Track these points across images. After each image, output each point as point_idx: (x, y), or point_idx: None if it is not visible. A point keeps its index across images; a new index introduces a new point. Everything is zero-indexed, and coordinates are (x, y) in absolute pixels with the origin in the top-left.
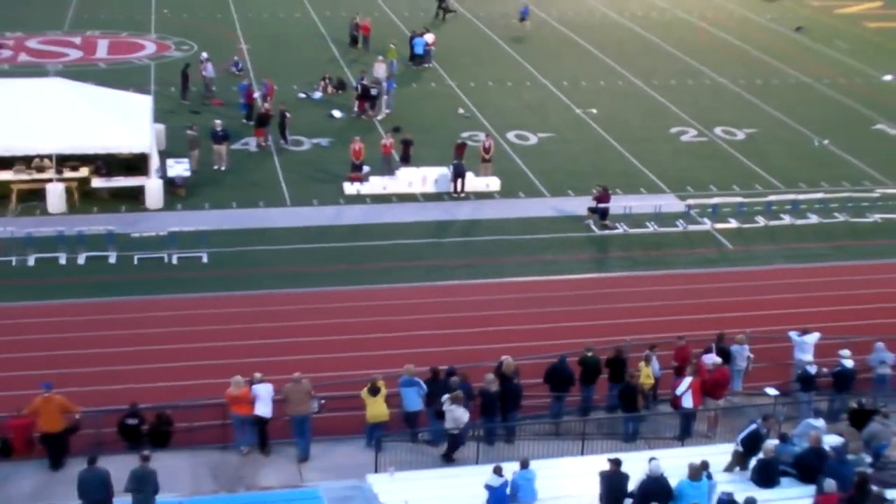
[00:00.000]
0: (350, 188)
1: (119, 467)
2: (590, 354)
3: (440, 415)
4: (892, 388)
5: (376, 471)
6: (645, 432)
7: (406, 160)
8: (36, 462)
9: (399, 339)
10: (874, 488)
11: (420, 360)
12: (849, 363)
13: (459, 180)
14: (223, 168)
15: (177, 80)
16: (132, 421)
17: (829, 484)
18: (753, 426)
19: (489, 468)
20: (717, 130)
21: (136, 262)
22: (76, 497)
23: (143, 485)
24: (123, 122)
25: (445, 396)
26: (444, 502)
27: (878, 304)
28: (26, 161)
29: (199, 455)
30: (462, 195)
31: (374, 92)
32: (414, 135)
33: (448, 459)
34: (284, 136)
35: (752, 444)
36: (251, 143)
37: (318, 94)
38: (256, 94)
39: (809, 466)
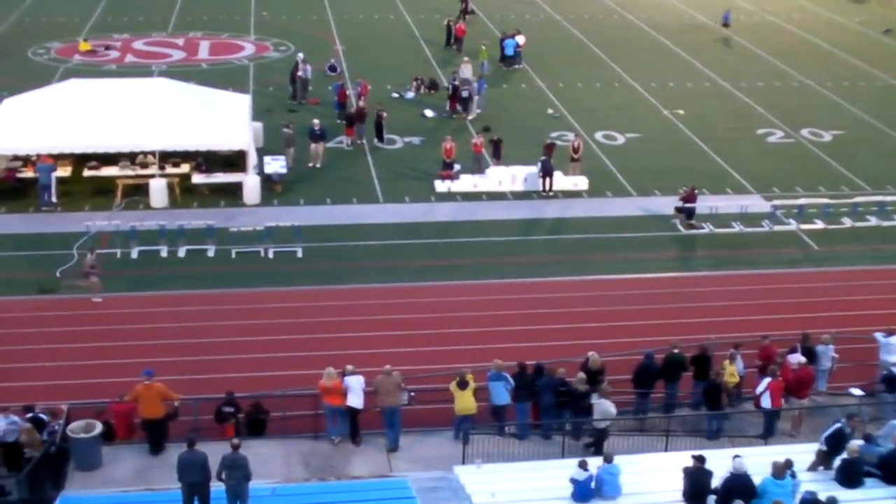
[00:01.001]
0: (441, 186)
1: (215, 453)
2: (675, 352)
3: (587, 408)
4: None
5: (464, 462)
6: (729, 430)
7: (498, 158)
8: (137, 446)
9: (487, 335)
10: None
11: (508, 356)
12: None
13: (547, 179)
14: (318, 165)
15: (277, 80)
16: (228, 409)
17: None
18: (838, 425)
19: (574, 462)
20: (804, 132)
21: (233, 255)
22: (175, 480)
23: (234, 471)
24: (223, 120)
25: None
26: (530, 494)
27: None
28: (131, 157)
29: (292, 444)
30: (550, 194)
31: (465, 94)
32: (504, 134)
33: (597, 451)
34: (381, 136)
35: (836, 443)
36: (345, 141)
37: (410, 94)
38: (350, 93)
39: (894, 467)
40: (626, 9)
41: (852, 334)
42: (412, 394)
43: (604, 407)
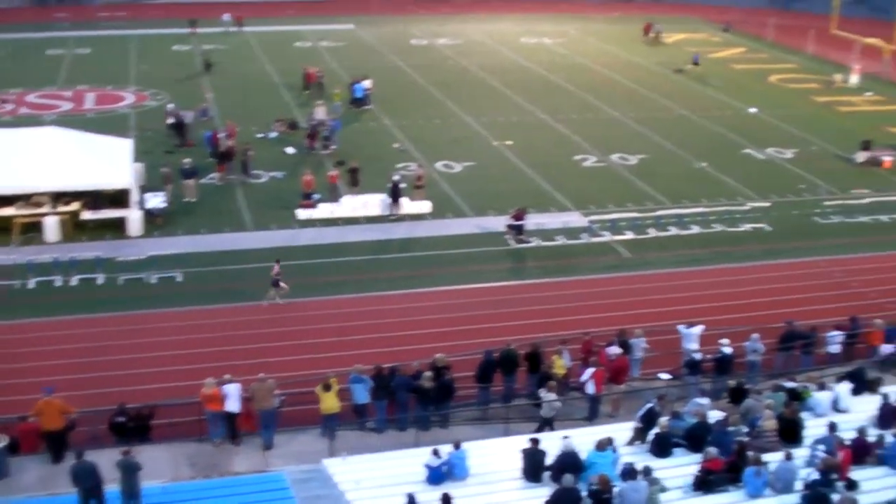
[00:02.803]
0: (303, 214)
1: (111, 460)
2: (511, 349)
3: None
4: (763, 370)
5: (331, 456)
6: (559, 415)
7: (355, 184)
8: (40, 456)
9: (348, 343)
10: (750, 453)
11: (366, 360)
12: (728, 350)
13: (396, 201)
14: (193, 200)
15: (154, 126)
16: (120, 419)
17: (712, 451)
18: (649, 405)
19: (428, 450)
20: (614, 157)
21: (120, 282)
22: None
23: (127, 473)
24: (108, 162)
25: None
26: (389, 480)
27: (751, 299)
28: (26, 198)
29: (179, 447)
30: (398, 216)
31: (325, 133)
32: (354, 167)
33: (549, 428)
34: (247, 172)
35: (648, 419)
36: (216, 177)
37: (273, 134)
38: (221, 135)
39: (697, 438)
40: (461, 55)
41: (660, 327)
42: (284, 398)
43: (550, 398)
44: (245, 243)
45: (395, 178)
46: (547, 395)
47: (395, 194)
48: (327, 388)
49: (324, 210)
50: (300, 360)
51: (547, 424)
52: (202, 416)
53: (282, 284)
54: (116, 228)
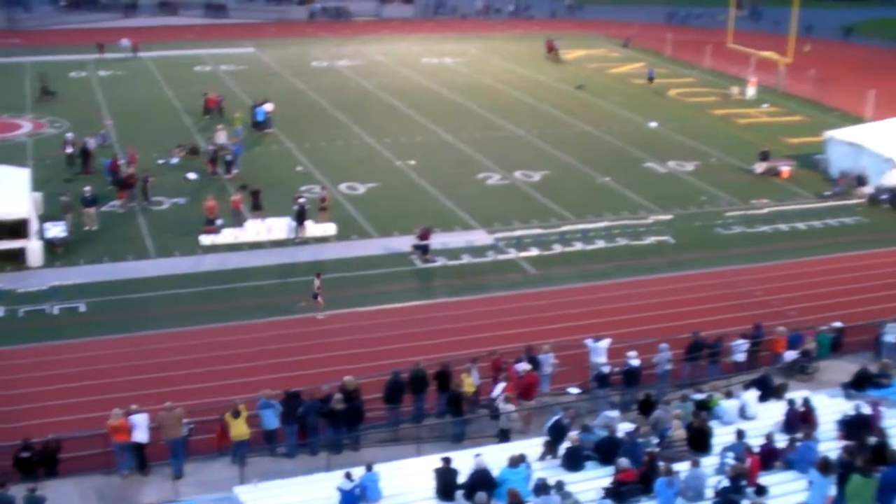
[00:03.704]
0: (206, 240)
1: (17, 496)
2: (419, 368)
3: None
4: (671, 380)
5: (242, 483)
6: (470, 433)
7: (258, 208)
8: None
9: (257, 368)
10: (661, 464)
11: (275, 385)
12: (635, 362)
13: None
14: (94, 228)
15: (52, 154)
16: (25, 454)
17: (622, 461)
18: (556, 417)
19: (340, 474)
20: (517, 174)
21: (21, 314)
22: None
23: None
24: (4, 192)
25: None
26: None
27: (656, 311)
28: None
29: (86, 481)
30: (303, 239)
31: (227, 158)
32: (257, 190)
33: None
34: (147, 198)
35: (557, 432)
36: (117, 204)
37: (175, 160)
38: (121, 162)
39: (608, 450)
40: (362, 76)
41: (568, 342)
42: (192, 426)
43: (508, 409)
44: (148, 271)
45: (301, 200)
46: (505, 406)
47: (301, 217)
48: (236, 414)
49: (227, 235)
50: (208, 387)
51: (504, 436)
52: (110, 447)
53: (319, 299)
54: (16, 259)
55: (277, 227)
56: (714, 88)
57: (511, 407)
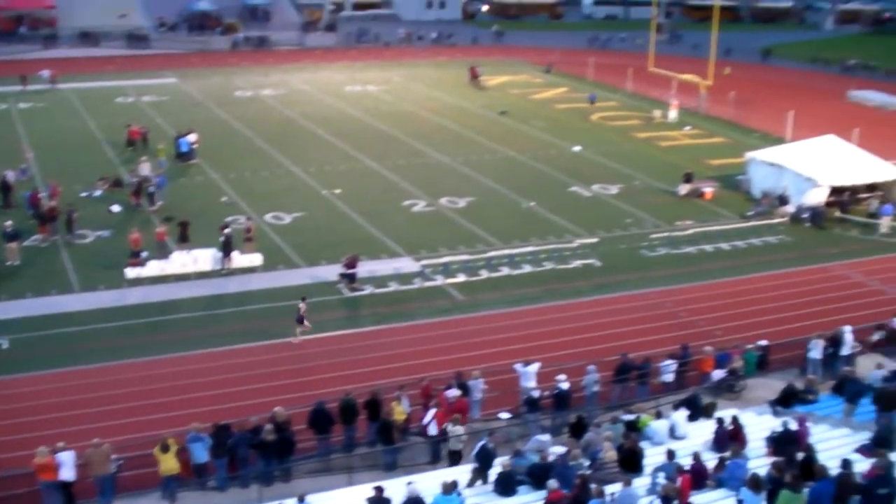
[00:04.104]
0: (131, 273)
1: None
2: (349, 398)
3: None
4: (600, 402)
5: None
6: (402, 461)
7: (185, 239)
8: None
9: (185, 401)
10: (593, 486)
11: (205, 418)
12: (565, 385)
13: (226, 256)
14: (17, 263)
15: None
16: None
17: (552, 483)
18: (482, 442)
19: None
20: (443, 200)
21: None
22: None
23: None
24: None
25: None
26: None
27: (584, 334)
28: None
29: None
30: (229, 270)
31: (151, 190)
32: (184, 221)
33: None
34: (72, 232)
35: (483, 457)
36: (39, 238)
37: (98, 192)
38: (42, 195)
39: (540, 474)
40: (286, 105)
41: (497, 367)
42: (121, 462)
43: (457, 432)
44: (72, 305)
45: (227, 231)
46: (454, 429)
47: (227, 247)
48: (165, 448)
49: (153, 268)
50: (136, 422)
51: (454, 459)
52: (36, 486)
53: (306, 323)
54: None
55: (203, 258)
56: (636, 112)
57: (460, 430)
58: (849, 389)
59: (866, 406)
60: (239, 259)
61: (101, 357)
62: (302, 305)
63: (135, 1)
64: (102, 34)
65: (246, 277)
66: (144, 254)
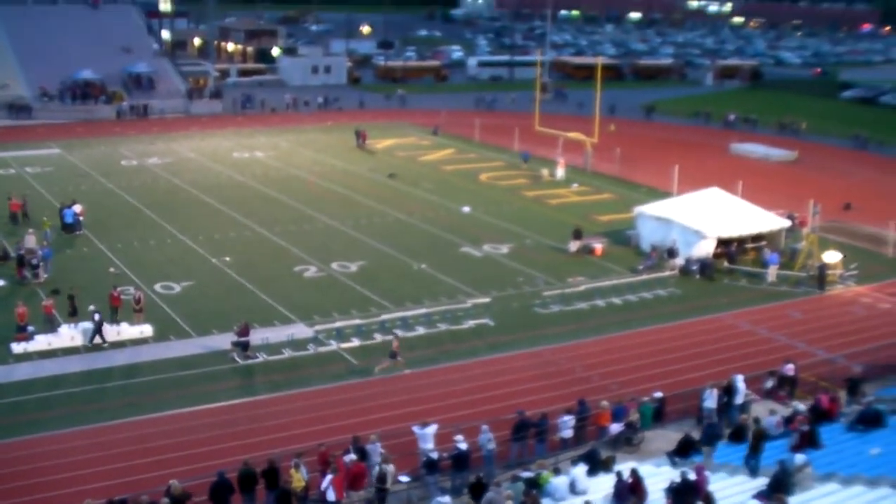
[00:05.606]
0: (18, 348)
1: None
2: (247, 467)
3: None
4: (499, 461)
5: None
6: None
7: (74, 313)
8: None
9: (76, 478)
10: None
11: (97, 494)
12: (463, 446)
13: (98, 335)
14: None
15: None
16: None
17: None
18: None
19: None
20: (334, 265)
21: None
22: None
23: None
24: None
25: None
26: None
27: (481, 394)
28: None
29: None
30: (105, 345)
31: (34, 261)
32: (72, 294)
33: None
34: None
35: None
36: None
37: None
38: None
39: None
40: (173, 174)
41: (394, 430)
42: None
43: (391, 470)
44: None
45: (97, 317)
46: (385, 467)
47: (99, 330)
48: None
49: (41, 342)
50: (30, 500)
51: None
52: None
53: (399, 358)
54: None
55: (91, 331)
56: (524, 171)
57: (392, 466)
58: (754, 437)
59: (767, 451)
60: (128, 330)
61: None
62: (395, 342)
63: (16, 71)
64: None
65: (136, 349)
66: (31, 328)
